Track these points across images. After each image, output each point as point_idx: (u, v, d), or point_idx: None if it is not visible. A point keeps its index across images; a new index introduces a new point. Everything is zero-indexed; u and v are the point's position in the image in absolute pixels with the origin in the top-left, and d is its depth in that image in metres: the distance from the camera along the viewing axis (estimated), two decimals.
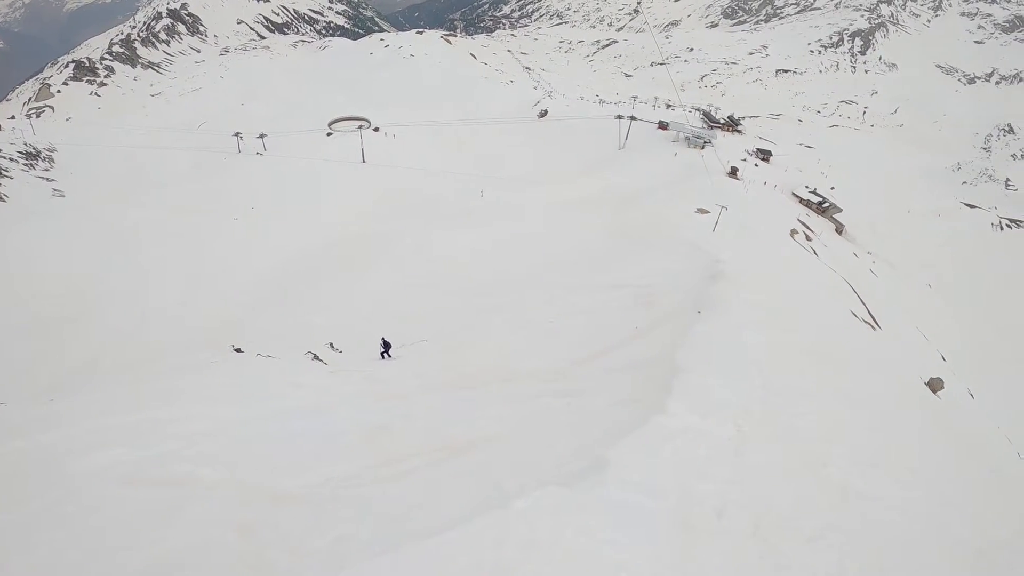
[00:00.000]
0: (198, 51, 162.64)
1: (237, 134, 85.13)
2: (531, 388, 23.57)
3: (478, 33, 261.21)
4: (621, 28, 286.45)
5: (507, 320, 37.17)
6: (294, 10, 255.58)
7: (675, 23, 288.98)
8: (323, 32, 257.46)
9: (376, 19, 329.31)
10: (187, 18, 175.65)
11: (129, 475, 14.27)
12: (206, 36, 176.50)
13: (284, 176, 75.53)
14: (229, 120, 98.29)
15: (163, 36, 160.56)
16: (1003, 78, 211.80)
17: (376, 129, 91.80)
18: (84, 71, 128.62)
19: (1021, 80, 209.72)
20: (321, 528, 11.86)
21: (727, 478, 13.48)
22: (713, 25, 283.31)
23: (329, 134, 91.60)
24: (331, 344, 34.77)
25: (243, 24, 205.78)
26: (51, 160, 78.90)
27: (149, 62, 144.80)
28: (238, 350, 33.16)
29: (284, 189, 72.18)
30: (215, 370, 28.47)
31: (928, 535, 14.34)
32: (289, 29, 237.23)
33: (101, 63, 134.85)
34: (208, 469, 15.20)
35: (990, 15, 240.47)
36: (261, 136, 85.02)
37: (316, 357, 31.71)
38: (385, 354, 32.35)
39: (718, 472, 13.71)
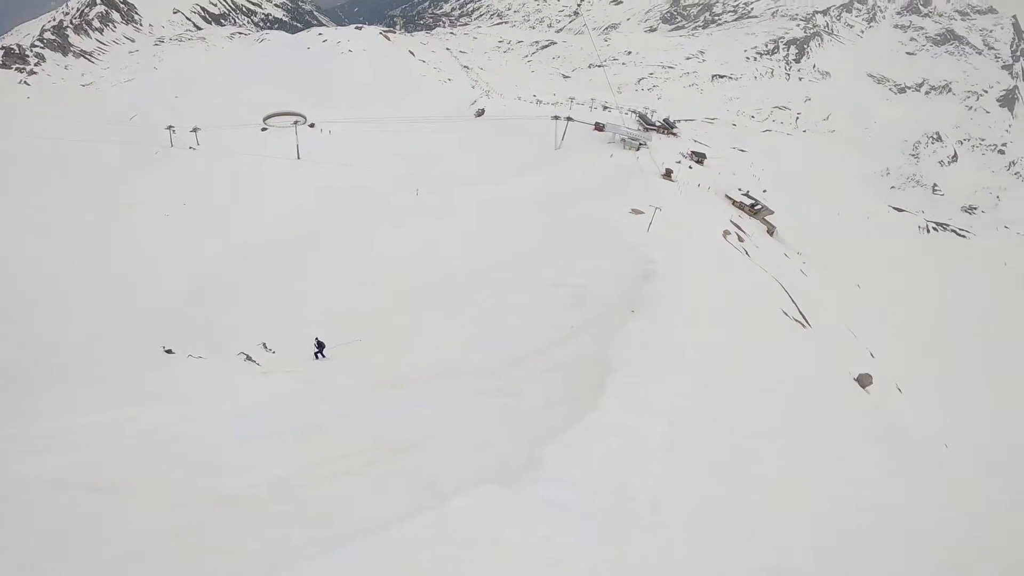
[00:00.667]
0: (132, 40, 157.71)
1: (170, 127, 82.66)
2: (468, 387, 23.22)
3: (418, 30, 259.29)
4: (560, 29, 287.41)
5: (444, 318, 36.82)
6: (232, 1, 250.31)
7: (614, 26, 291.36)
8: (261, 24, 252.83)
9: (315, 13, 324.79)
10: (122, 6, 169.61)
11: (60, 482, 13.81)
12: (141, 25, 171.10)
13: (217, 171, 73.66)
14: (162, 113, 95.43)
15: (96, 24, 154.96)
16: (933, 88, 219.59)
17: (312, 125, 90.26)
18: (13, 58, 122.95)
19: (950, 91, 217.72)
20: (256, 530, 11.71)
21: (661, 474, 13.59)
22: (652, 30, 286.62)
23: (264, 129, 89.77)
24: (264, 344, 34.01)
25: (179, 14, 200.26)
26: None
27: (81, 51, 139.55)
28: (169, 351, 32.59)
29: (217, 185, 70.35)
30: (145, 372, 27.58)
31: (860, 525, 14.59)
32: (226, 20, 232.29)
33: (31, 50, 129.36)
34: (141, 474, 14.86)
35: (922, 28, 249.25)
36: (194, 130, 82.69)
37: (249, 358, 31.08)
38: (319, 354, 31.72)
39: (652, 468, 13.79)
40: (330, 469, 15.11)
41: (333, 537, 10.12)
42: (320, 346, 31.73)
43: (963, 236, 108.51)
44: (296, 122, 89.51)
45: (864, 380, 36.56)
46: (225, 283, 50.23)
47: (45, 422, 17.71)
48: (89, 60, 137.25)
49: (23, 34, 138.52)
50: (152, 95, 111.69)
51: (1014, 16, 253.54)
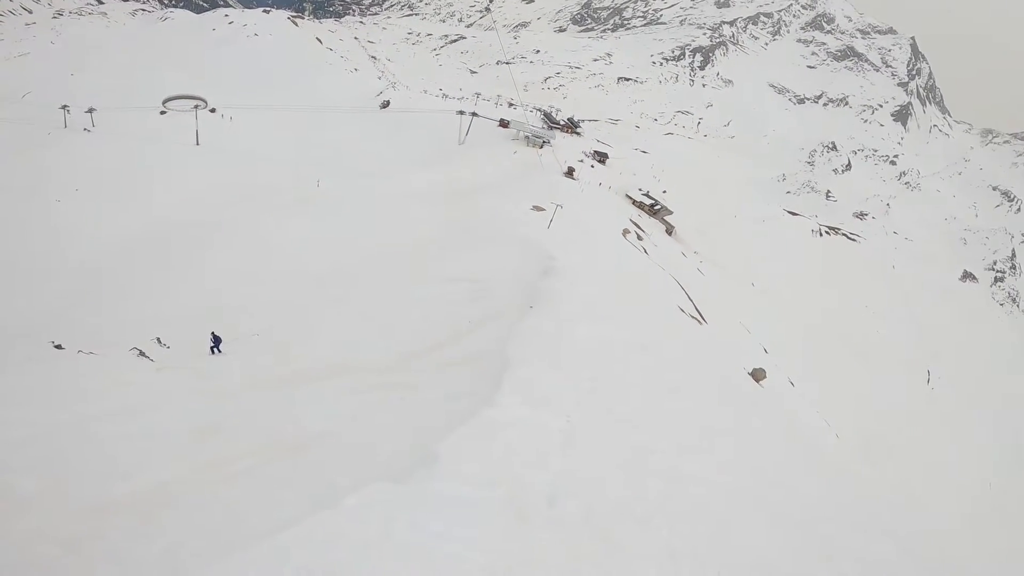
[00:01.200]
0: (29, 12, 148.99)
1: (64, 107, 78.03)
2: (365, 382, 22.77)
3: (327, 17, 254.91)
4: (471, 24, 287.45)
5: (341, 313, 36.04)
6: None
7: (524, 24, 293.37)
8: (166, 2, 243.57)
9: None
10: None
11: None
12: None
13: (113, 156, 70.21)
14: (57, 91, 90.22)
15: None
16: (831, 100, 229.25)
17: (213, 110, 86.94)
18: None
19: (847, 104, 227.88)
20: (150, 537, 11.49)
21: (558, 468, 13.71)
22: (561, 30, 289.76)
23: (163, 112, 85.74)
24: (158, 339, 32.44)
25: None
26: None
27: None
28: (58, 346, 30.60)
29: (112, 170, 66.97)
30: (32, 369, 26.00)
31: (753, 513, 15.11)
32: None
33: None
34: (27, 479, 14.01)
35: (824, 44, 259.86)
36: (90, 111, 78.24)
37: (142, 353, 29.63)
38: (215, 349, 30.48)
39: (549, 462, 13.89)
40: (225, 471, 15.02)
41: (229, 541, 9.82)
42: (216, 341, 30.57)
43: (854, 240, 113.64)
44: (196, 106, 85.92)
45: (758, 374, 37.48)
46: (118, 273, 47.88)
47: None
48: None
49: None
50: (47, 71, 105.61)
51: (912, 37, 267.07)
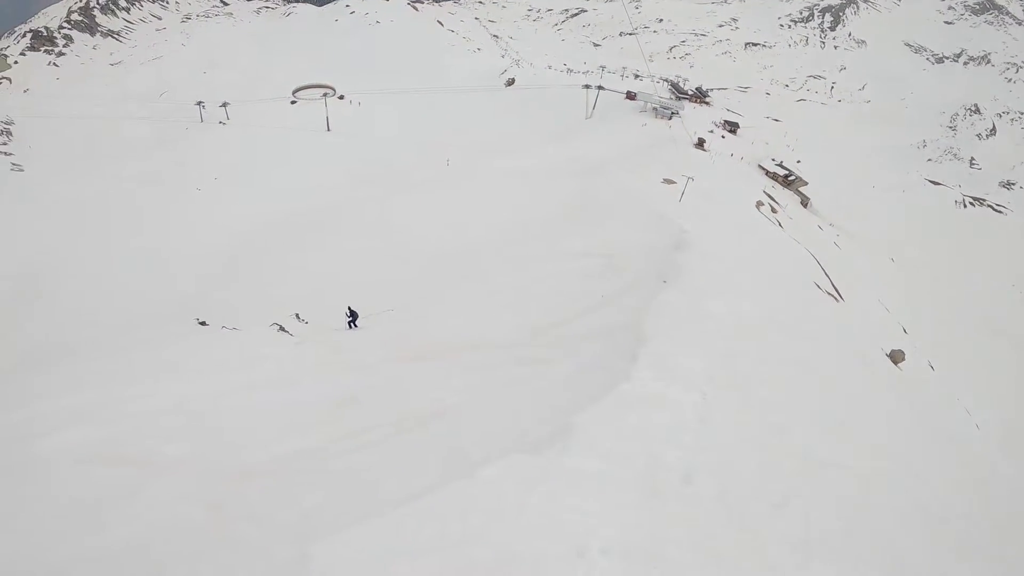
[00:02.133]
0: (159, 18, 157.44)
1: (200, 103, 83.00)
2: (497, 357, 23.18)
3: (445, 0, 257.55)
4: None
5: (473, 289, 36.68)
6: None
7: None
8: None
9: None
10: None
11: (93, 454, 13.98)
12: (167, 3, 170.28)
13: (248, 145, 74.02)
14: (191, 89, 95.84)
15: (123, 3, 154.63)
16: (971, 59, 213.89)
17: (341, 97, 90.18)
18: (42, 41, 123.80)
19: (989, 62, 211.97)
20: (289, 501, 11.80)
21: (693, 445, 13.64)
22: None
23: (293, 102, 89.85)
24: (297, 315, 33.83)
25: None
26: (9, 134, 76.06)
27: (109, 30, 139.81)
28: (203, 323, 32.68)
29: (248, 159, 70.69)
30: (179, 344, 27.79)
31: (890, 502, 14.60)
32: None
33: (59, 32, 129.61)
34: (172, 446, 14.96)
35: None
36: (224, 105, 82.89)
37: (282, 328, 31.02)
38: (352, 324, 31.63)
39: (684, 439, 13.85)
40: (362, 440, 15.18)
41: (365, 507, 10.16)
42: (353, 316, 31.70)
43: (1000, 212, 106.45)
44: (325, 94, 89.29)
45: (896, 356, 36.18)
46: (258, 255, 50.39)
47: (81, 395, 17.80)
48: (117, 39, 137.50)
49: (50, 16, 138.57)
50: (181, 72, 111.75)
51: None
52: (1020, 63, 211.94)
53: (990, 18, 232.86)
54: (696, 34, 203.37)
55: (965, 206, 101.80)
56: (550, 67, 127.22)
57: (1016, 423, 52.88)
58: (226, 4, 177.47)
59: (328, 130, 78.65)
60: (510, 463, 10.77)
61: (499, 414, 16.31)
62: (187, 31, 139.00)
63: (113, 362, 24.66)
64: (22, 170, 68.24)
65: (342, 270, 44.36)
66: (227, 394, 19.13)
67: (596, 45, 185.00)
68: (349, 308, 31.80)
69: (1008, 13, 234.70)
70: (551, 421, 13.62)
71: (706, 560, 10.10)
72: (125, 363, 23.43)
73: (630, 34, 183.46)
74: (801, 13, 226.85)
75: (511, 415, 15.93)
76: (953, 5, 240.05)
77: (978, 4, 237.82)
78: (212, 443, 14.95)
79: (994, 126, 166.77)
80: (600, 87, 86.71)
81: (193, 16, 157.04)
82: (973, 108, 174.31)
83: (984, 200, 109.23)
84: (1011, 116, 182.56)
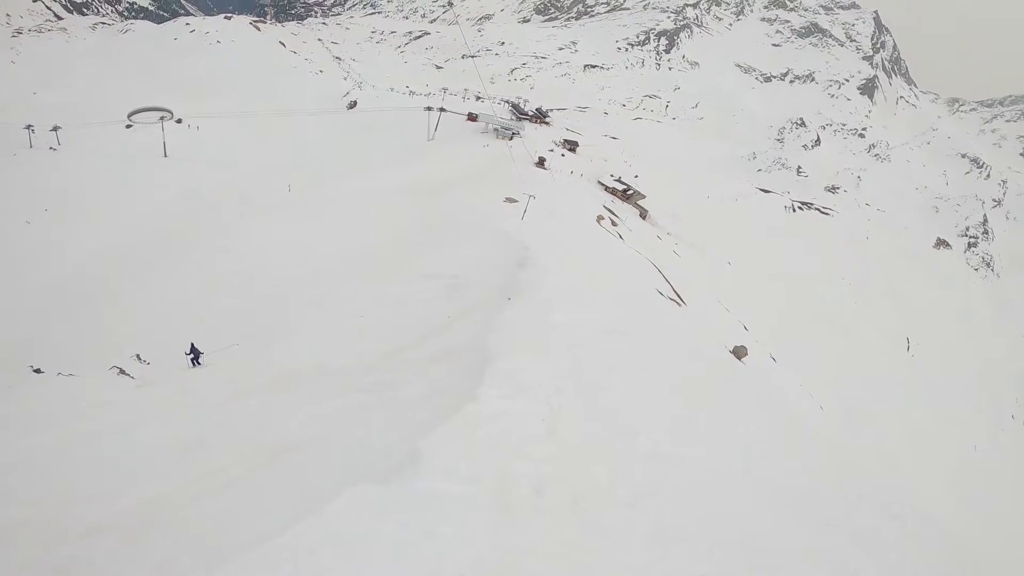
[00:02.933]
0: None
1: (28, 127, 77.01)
2: (345, 384, 22.69)
3: (289, 20, 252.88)
4: (434, 20, 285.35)
5: (319, 315, 35.89)
6: None
7: (488, 17, 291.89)
8: (125, 14, 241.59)
9: (183, 1, 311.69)
10: None
11: None
12: None
13: (81, 173, 69.45)
14: (20, 110, 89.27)
15: None
16: (797, 77, 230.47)
17: (179, 120, 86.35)
18: None
19: (813, 79, 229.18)
20: (140, 557, 11.29)
21: (543, 456, 13.78)
22: (525, 20, 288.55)
23: (129, 126, 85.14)
24: (137, 356, 32.30)
25: (39, 3, 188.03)
26: None
27: None
28: (37, 370, 30.14)
29: (81, 187, 66.21)
30: (10, 395, 25.58)
31: (741, 489, 15.08)
32: (89, 10, 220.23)
33: None
34: (12, 507, 13.82)
35: (788, 21, 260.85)
36: (55, 129, 77.28)
37: (122, 371, 29.33)
38: (195, 361, 30.18)
39: (534, 451, 13.94)
40: (211, 483, 14.83)
41: (217, 554, 9.78)
42: (196, 353, 30.31)
43: (827, 214, 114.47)
44: (163, 118, 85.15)
45: (739, 352, 37.66)
46: (93, 291, 47.44)
47: None
48: None
49: None
50: (9, 91, 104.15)
51: (875, 11, 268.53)
52: (841, 80, 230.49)
53: (814, 40, 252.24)
54: (537, 57, 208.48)
55: (794, 210, 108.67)
56: (392, 89, 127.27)
57: (853, 401, 56.55)
58: (60, 19, 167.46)
59: (165, 156, 74.93)
60: (359, 493, 10.66)
61: (348, 444, 16.16)
62: (17, 47, 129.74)
63: None
64: None
65: (184, 302, 42.55)
66: (68, 445, 18.20)
67: (439, 67, 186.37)
68: (191, 345, 30.50)
69: (831, 36, 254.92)
70: (400, 447, 13.44)
71: (564, 568, 10.14)
72: None
73: (472, 56, 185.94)
74: (638, 37, 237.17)
75: (360, 444, 15.81)
76: (780, 29, 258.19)
77: (804, 28, 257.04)
78: (55, 500, 14.25)
79: (818, 137, 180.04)
80: (442, 109, 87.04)
81: (24, 31, 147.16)
82: (799, 121, 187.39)
83: (812, 204, 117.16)
84: (834, 128, 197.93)
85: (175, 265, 48.73)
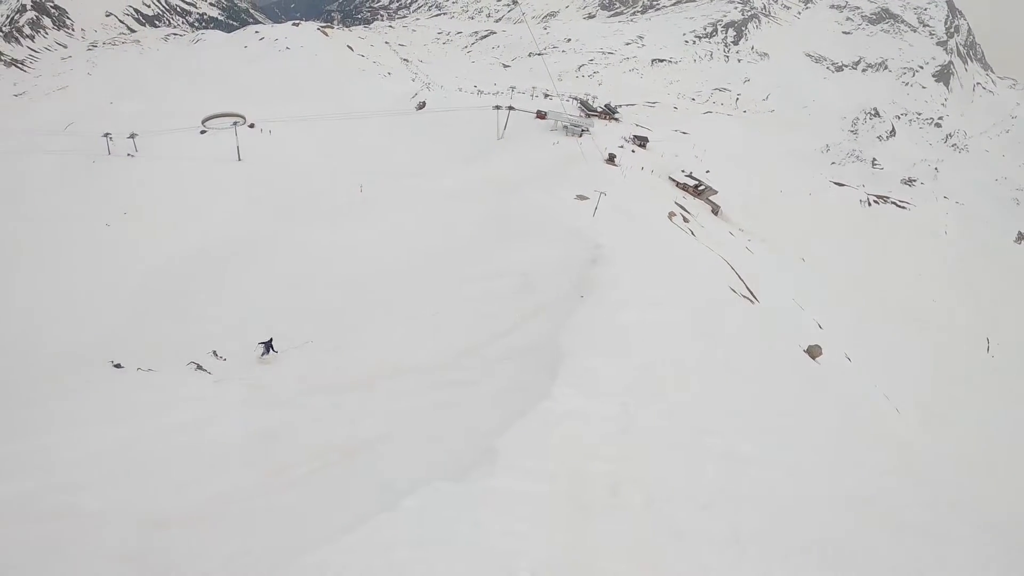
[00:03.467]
0: (65, 46, 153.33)
1: (107, 135, 79.72)
2: (418, 382, 22.93)
3: (355, 25, 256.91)
4: (499, 19, 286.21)
5: (390, 315, 36.28)
6: (165, 2, 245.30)
7: (553, 14, 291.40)
8: (196, 25, 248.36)
9: (251, 11, 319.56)
10: (53, 11, 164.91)
11: (12, 511, 13.28)
12: (73, 30, 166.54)
13: (157, 178, 71.71)
14: (98, 120, 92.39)
15: (27, 31, 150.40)
16: (869, 66, 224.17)
17: (252, 125, 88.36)
18: None
19: (886, 67, 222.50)
20: (212, 549, 11.40)
21: (617, 456, 13.67)
22: (591, 16, 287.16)
23: (203, 132, 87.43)
24: (214, 352, 32.93)
25: (112, 17, 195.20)
26: None
27: (12, 59, 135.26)
28: (118, 366, 31.30)
29: (158, 191, 68.42)
30: (93, 390, 26.66)
31: (815, 492, 14.77)
32: (160, 22, 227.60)
33: None
34: (90, 498, 14.29)
35: (858, 8, 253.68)
36: (132, 136, 79.78)
37: (199, 367, 30.15)
38: (270, 348, 31.22)
39: (608, 451, 13.86)
40: (284, 478, 14.98)
41: (288, 549, 9.92)
42: (269, 347, 31.20)
43: (904, 208, 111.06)
44: (235, 123, 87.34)
45: (814, 351, 36.95)
46: (172, 292, 48.79)
47: None
48: (21, 69, 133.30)
49: None
50: (87, 102, 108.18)
51: None
52: (915, 67, 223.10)
53: (886, 27, 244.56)
54: (604, 52, 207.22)
55: (869, 204, 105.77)
56: (460, 89, 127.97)
57: (931, 404, 54.94)
58: (133, 32, 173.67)
59: (239, 160, 76.81)
60: (434, 491, 10.64)
61: (422, 441, 16.21)
62: (93, 60, 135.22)
63: (28, 411, 23.45)
64: None
65: (259, 302, 43.38)
66: (144, 439, 18.55)
67: (506, 66, 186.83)
68: (269, 339, 31.28)
69: (903, 21, 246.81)
70: (474, 445, 13.49)
71: (639, 569, 10.05)
72: (40, 412, 22.31)
73: (538, 55, 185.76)
74: (705, 29, 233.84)
75: (435, 441, 15.83)
76: (851, 16, 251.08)
77: (874, 14, 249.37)
78: (132, 492, 14.50)
79: (893, 128, 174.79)
80: (511, 107, 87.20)
81: (99, 44, 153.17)
82: (873, 112, 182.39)
83: (887, 197, 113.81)
84: (909, 117, 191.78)
85: (249, 266, 49.87)
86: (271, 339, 31.41)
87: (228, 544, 11.35)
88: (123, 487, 14.75)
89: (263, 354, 31.12)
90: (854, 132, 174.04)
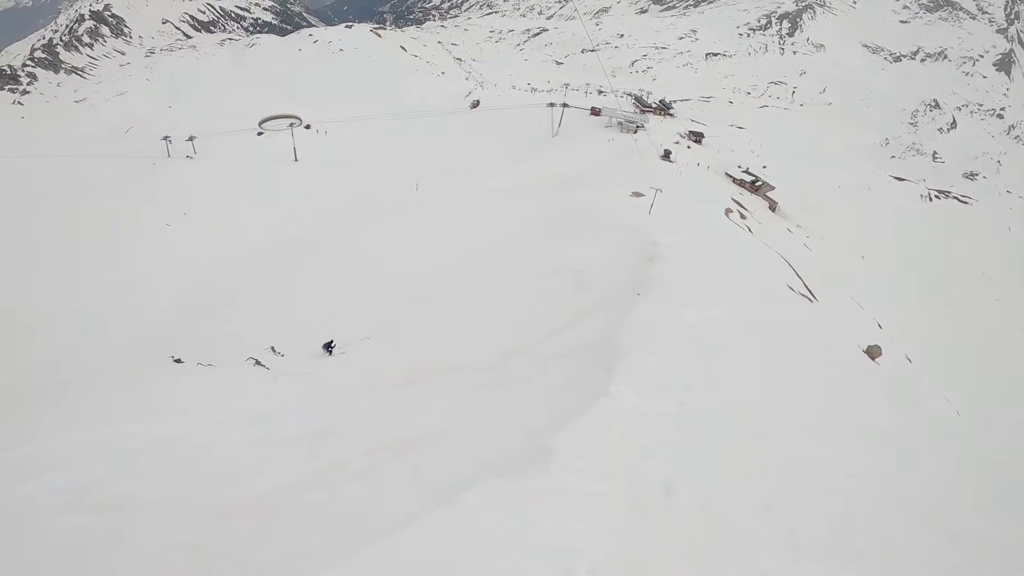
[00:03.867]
0: (123, 53, 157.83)
1: (166, 138, 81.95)
2: (473, 380, 23.19)
3: (408, 25, 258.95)
4: (551, 16, 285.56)
5: (446, 312, 36.63)
6: (220, 8, 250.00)
7: (605, 10, 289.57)
8: (250, 29, 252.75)
9: (304, 14, 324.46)
10: (110, 19, 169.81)
11: (68, 501, 13.72)
12: (130, 38, 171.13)
13: (216, 179, 73.39)
14: (157, 123, 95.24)
15: (86, 39, 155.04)
16: (928, 56, 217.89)
17: (308, 126, 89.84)
18: (5, 79, 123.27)
19: (946, 57, 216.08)
20: (271, 540, 11.71)
21: (674, 456, 13.60)
22: (643, 11, 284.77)
23: (260, 133, 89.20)
24: (272, 348, 33.64)
25: (168, 24, 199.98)
26: None
27: (73, 67, 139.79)
28: (178, 360, 32.29)
29: (216, 192, 70.03)
30: (154, 383, 27.42)
31: (875, 496, 14.60)
32: (216, 27, 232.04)
33: (23, 70, 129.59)
34: (151, 488, 14.60)
35: None
36: (190, 139, 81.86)
37: (258, 363, 30.82)
38: (330, 347, 31.89)
39: (664, 451, 13.78)
40: (342, 472, 15.05)
41: (347, 542, 10.07)
42: (329, 345, 31.87)
43: (966, 203, 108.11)
44: (291, 124, 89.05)
45: (873, 351, 36.46)
46: (230, 289, 49.99)
47: (50, 439, 17.60)
48: (81, 76, 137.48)
49: (13, 55, 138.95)
50: (146, 107, 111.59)
51: None
52: (975, 56, 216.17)
53: (944, 14, 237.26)
54: (657, 47, 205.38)
55: (931, 200, 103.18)
56: (514, 87, 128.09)
57: (994, 407, 53.53)
58: (189, 38, 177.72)
59: (296, 160, 78.21)
60: (490, 488, 10.74)
61: (479, 438, 16.24)
62: (151, 66, 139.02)
63: (92, 403, 24.32)
64: None
65: (316, 300, 44.14)
66: (205, 432, 18.96)
67: (559, 63, 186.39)
68: (330, 340, 32.11)
69: (962, 8, 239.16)
70: (530, 443, 13.50)
71: (694, 571, 10.11)
72: (104, 404, 23.12)
73: (591, 51, 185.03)
74: (759, 21, 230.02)
75: (491, 438, 15.83)
76: (908, 4, 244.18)
77: (932, 2, 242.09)
78: (193, 483, 14.79)
79: (954, 119, 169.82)
80: (565, 104, 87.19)
81: (157, 51, 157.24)
82: (933, 103, 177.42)
83: (949, 192, 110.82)
84: (970, 109, 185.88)
85: (306, 264, 50.73)
86: (331, 340, 32.12)
87: (287, 537, 11.49)
88: (184, 479, 15.01)
89: (325, 352, 31.83)
90: (914, 125, 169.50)
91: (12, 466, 15.43)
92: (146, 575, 10.94)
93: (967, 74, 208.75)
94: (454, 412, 19.26)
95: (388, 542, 9.29)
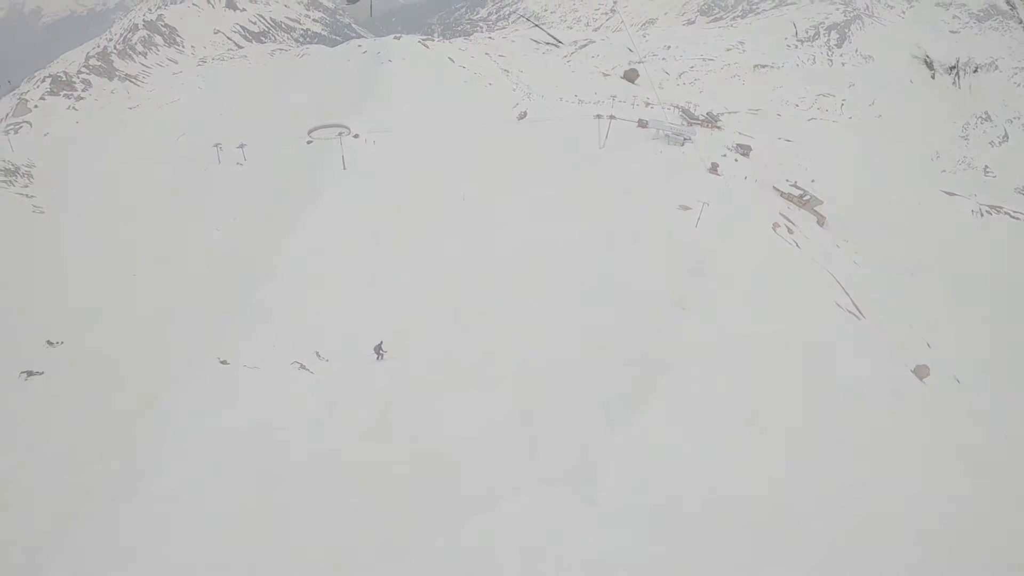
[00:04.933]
0: (175, 62, 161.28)
1: (217, 145, 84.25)
2: (518, 389, 23.73)
3: (456, 37, 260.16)
4: (598, 28, 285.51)
5: (494, 322, 37.17)
6: (271, 19, 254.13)
7: (652, 21, 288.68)
8: (300, 40, 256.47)
9: (353, 25, 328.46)
10: (164, 29, 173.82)
11: (116, 495, 14.09)
12: (183, 47, 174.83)
13: (265, 185, 74.92)
14: (208, 131, 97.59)
15: (140, 48, 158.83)
16: (979, 66, 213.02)
17: (356, 136, 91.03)
18: (61, 85, 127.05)
19: (996, 68, 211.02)
20: (315, 539, 12.10)
21: (716, 471, 13.80)
22: (690, 23, 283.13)
23: (309, 142, 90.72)
24: (317, 353, 34.50)
25: (220, 34, 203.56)
26: (30, 176, 78.23)
27: (127, 75, 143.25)
28: (224, 362, 33.09)
29: (266, 198, 71.51)
30: (200, 383, 28.35)
31: (915, 520, 14.62)
32: (266, 38, 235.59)
33: (78, 77, 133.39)
34: (195, 483, 15.16)
35: (964, 5, 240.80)
36: (241, 146, 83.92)
37: (303, 367, 31.63)
38: (380, 349, 33.02)
39: (707, 466, 14.04)
40: (386, 474, 15.54)
41: (390, 545, 10.52)
42: (377, 350, 32.69)
43: (1018, 219, 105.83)
44: (340, 133, 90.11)
45: (921, 372, 36.18)
46: (275, 294, 50.96)
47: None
48: (134, 83, 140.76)
49: (69, 62, 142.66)
50: (198, 114, 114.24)
51: None
52: None
53: (994, 24, 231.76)
54: (704, 59, 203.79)
55: (982, 215, 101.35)
56: (561, 99, 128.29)
57: None
58: (240, 48, 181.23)
59: (344, 169, 79.41)
60: (533, 496, 11.20)
61: (523, 446, 16.70)
62: (203, 74, 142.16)
63: (137, 401, 25.25)
64: (43, 212, 70.11)
65: (363, 305, 44.86)
66: (249, 431, 19.60)
67: (606, 75, 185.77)
68: (380, 343, 32.97)
69: (1013, 18, 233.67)
70: (574, 453, 13.92)
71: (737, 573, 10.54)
72: (150, 402, 23.98)
73: (638, 62, 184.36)
74: (807, 32, 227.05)
75: (535, 447, 16.26)
76: (957, 14, 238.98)
77: (982, 11, 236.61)
78: (235, 479, 16.40)
79: (1006, 132, 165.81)
80: (612, 116, 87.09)
81: (209, 59, 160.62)
82: (984, 115, 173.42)
83: (1001, 208, 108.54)
84: (1022, 121, 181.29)
85: (355, 270, 51.52)
86: (380, 343, 32.91)
87: (331, 537, 12.10)
88: (227, 475, 15.70)
89: (375, 357, 32.62)
90: (965, 138, 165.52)
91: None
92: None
93: (1019, 85, 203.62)
94: (499, 420, 21.31)
95: (430, 546, 9.98)
